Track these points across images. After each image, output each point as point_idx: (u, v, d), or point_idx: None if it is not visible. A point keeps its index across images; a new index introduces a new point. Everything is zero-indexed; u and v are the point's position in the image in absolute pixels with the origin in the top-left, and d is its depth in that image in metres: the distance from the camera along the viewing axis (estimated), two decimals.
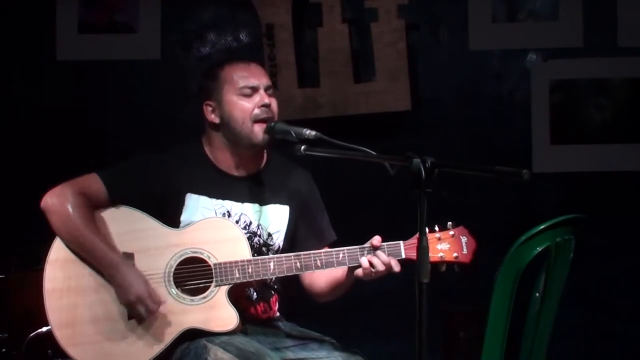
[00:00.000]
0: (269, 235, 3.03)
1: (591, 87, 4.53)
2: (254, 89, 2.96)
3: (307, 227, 3.11)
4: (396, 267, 2.85)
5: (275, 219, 3.05)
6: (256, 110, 2.94)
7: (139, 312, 2.81)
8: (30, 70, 4.63)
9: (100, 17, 4.65)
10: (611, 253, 4.41)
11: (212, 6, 4.67)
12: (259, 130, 2.94)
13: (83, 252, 2.85)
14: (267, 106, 2.95)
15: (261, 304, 3.03)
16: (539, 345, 3.03)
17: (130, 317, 2.85)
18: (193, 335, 2.84)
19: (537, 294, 3.00)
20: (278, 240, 3.05)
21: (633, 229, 4.44)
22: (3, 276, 3.83)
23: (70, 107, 4.60)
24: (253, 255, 2.92)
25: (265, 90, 2.98)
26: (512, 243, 2.96)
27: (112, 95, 4.63)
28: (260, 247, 3.02)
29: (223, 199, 2.98)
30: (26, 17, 4.61)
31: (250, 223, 3.01)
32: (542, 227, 2.97)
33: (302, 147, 2.73)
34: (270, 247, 3.03)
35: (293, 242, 3.09)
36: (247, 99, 2.95)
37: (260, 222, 3.02)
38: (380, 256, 2.84)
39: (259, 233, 3.02)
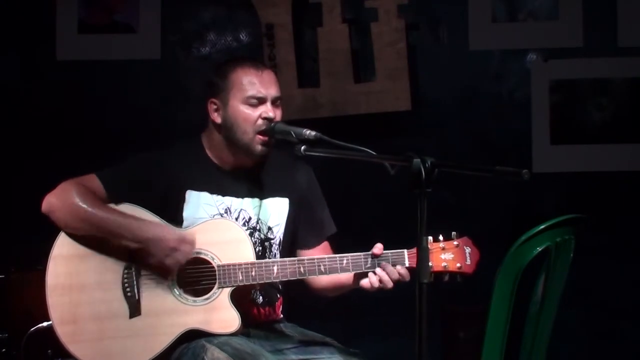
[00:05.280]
0: (269, 229, 3.03)
1: (591, 87, 4.53)
2: (261, 100, 2.94)
3: (307, 219, 3.10)
4: (407, 277, 2.87)
5: (274, 212, 3.04)
6: (259, 122, 2.93)
7: (176, 259, 2.80)
8: (30, 70, 4.62)
9: (100, 17, 4.65)
10: (611, 253, 4.41)
11: (212, 6, 4.67)
12: (258, 141, 2.93)
13: (100, 232, 2.81)
14: (270, 120, 2.93)
15: (266, 308, 3.03)
16: (539, 345, 3.02)
17: (132, 316, 2.84)
18: (194, 336, 2.83)
19: (537, 294, 3.00)
20: (278, 233, 3.05)
21: (633, 229, 4.43)
22: (3, 276, 3.83)
23: (70, 107, 4.60)
24: (256, 253, 2.92)
25: (273, 101, 2.96)
26: (512, 243, 2.96)
27: (112, 95, 4.62)
28: (262, 241, 3.01)
29: (223, 195, 2.98)
30: (26, 17, 4.61)
31: (250, 219, 3.00)
32: (542, 227, 2.96)
33: (302, 148, 2.72)
34: (272, 241, 3.03)
35: (293, 234, 3.09)
36: (252, 108, 2.93)
37: (260, 216, 3.02)
38: (391, 274, 2.84)
39: (258, 228, 3.01)
